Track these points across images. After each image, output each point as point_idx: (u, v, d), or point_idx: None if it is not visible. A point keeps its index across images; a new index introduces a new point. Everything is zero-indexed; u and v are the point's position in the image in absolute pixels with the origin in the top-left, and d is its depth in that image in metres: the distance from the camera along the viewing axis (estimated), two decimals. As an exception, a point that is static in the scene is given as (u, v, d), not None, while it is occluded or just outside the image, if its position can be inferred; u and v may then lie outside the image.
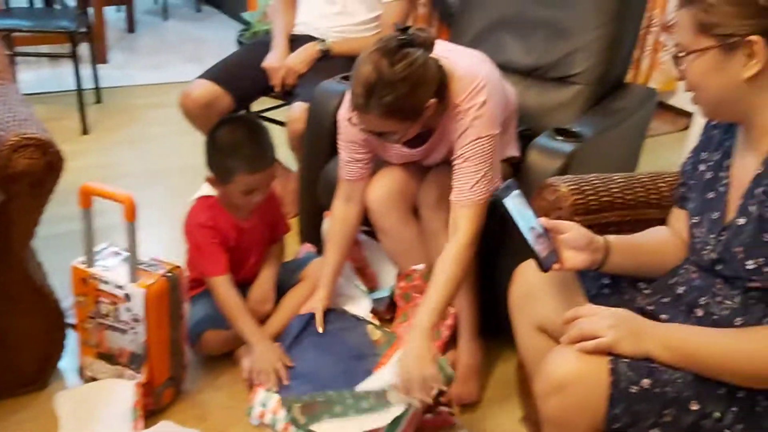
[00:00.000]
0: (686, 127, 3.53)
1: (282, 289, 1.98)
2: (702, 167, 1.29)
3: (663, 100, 3.92)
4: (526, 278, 1.44)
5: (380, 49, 1.55)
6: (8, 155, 1.50)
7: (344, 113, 1.80)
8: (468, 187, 1.68)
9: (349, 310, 1.99)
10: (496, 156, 1.72)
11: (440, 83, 1.63)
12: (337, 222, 1.95)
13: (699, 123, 2.86)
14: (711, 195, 1.24)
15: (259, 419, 1.71)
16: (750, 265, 1.13)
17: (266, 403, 1.71)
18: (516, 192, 1.27)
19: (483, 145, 1.67)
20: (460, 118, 1.67)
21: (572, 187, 1.52)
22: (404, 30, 1.57)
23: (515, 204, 1.26)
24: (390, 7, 2.51)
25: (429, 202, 1.85)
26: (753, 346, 1.11)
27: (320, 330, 1.88)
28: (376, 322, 1.97)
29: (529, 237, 1.24)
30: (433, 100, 1.60)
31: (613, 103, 2.12)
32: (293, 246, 2.30)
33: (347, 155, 1.88)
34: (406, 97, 1.56)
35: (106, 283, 1.63)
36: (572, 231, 1.29)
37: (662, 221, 1.58)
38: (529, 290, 1.42)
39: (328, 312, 1.93)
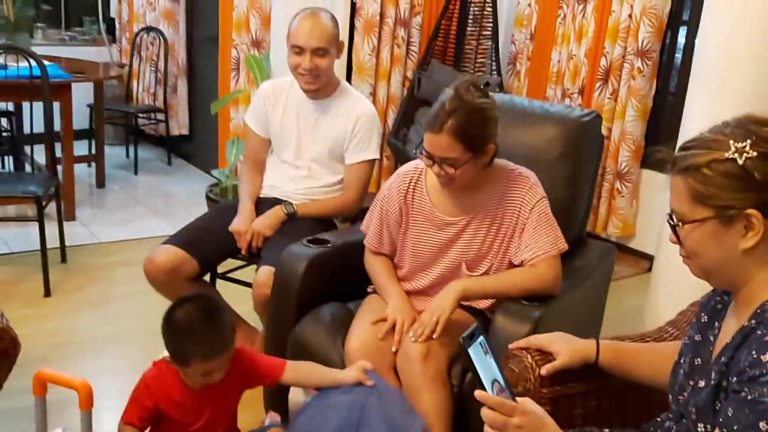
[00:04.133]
0: (648, 269, 3.60)
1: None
2: (704, 314, 1.27)
3: (623, 243, 4.02)
4: None
5: (466, 82, 1.83)
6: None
7: (396, 182, 2.03)
8: (545, 241, 1.92)
9: None
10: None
11: (496, 143, 1.89)
12: (380, 264, 2.11)
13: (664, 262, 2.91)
14: (697, 338, 1.23)
15: None
16: (700, 428, 1.11)
17: None
18: (480, 339, 1.22)
19: (545, 205, 1.95)
20: (521, 180, 1.95)
21: (537, 357, 1.51)
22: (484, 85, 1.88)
23: (478, 353, 1.21)
24: (353, 170, 2.59)
25: (414, 354, 1.78)
26: None
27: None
28: None
29: (492, 392, 1.18)
30: (492, 146, 1.87)
31: (574, 262, 2.16)
32: (258, 413, 2.22)
33: (382, 228, 2.07)
34: (477, 125, 1.81)
35: (57, 474, 1.55)
36: (561, 356, 1.45)
37: (628, 390, 1.56)
38: None
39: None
